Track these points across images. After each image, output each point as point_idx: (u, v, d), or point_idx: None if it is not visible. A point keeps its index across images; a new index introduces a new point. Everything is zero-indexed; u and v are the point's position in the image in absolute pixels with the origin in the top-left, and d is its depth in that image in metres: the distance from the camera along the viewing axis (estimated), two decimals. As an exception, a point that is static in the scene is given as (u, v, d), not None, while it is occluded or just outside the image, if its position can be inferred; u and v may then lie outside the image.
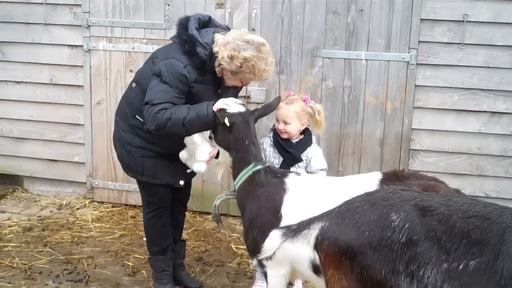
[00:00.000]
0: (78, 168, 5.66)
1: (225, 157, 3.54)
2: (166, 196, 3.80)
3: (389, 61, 4.89)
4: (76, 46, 5.40)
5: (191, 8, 5.01)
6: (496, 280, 1.99)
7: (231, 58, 3.34)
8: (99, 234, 4.93)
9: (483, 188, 4.99)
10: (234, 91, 3.76)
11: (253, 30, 4.93)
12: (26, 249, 4.59)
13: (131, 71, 5.19)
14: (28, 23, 5.47)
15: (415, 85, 4.90)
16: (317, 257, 2.46)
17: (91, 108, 5.46)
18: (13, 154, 5.78)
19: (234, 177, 3.42)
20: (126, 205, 5.52)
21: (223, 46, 3.37)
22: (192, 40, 3.41)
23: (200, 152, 3.55)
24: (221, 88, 3.62)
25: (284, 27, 4.99)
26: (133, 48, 5.24)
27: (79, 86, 5.47)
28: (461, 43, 4.76)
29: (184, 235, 4.70)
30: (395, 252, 2.15)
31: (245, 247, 4.60)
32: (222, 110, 3.38)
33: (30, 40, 5.49)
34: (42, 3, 5.37)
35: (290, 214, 3.10)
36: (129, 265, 4.39)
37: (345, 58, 4.95)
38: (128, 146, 3.69)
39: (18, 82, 5.62)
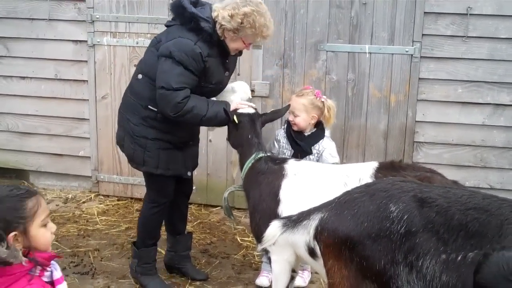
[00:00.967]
0: (83, 162, 5.69)
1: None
2: (172, 190, 3.84)
3: (392, 54, 4.89)
4: (80, 41, 5.43)
5: (194, 2, 5.01)
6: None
7: (231, 16, 3.42)
8: (105, 227, 4.97)
9: (487, 180, 4.98)
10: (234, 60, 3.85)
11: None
12: (32, 242, 4.63)
13: (135, 65, 5.13)
14: (32, 19, 5.49)
15: (419, 78, 4.89)
16: (312, 241, 2.52)
17: (96, 103, 5.48)
18: (19, 149, 5.82)
19: (242, 169, 3.59)
20: (132, 198, 5.55)
21: (222, 9, 3.47)
22: (195, 17, 3.45)
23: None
24: (228, 58, 3.67)
25: (287, 21, 5.00)
26: (137, 43, 5.26)
27: (84, 81, 5.50)
28: (464, 36, 4.75)
29: (190, 228, 4.75)
30: (394, 242, 2.17)
31: (250, 239, 4.69)
32: (234, 110, 3.60)
33: (34, 36, 5.52)
34: (47, -1, 5.41)
35: (288, 198, 3.22)
36: (135, 258, 4.43)
37: (348, 52, 4.95)
38: (143, 140, 3.66)
39: (23, 78, 5.65)
